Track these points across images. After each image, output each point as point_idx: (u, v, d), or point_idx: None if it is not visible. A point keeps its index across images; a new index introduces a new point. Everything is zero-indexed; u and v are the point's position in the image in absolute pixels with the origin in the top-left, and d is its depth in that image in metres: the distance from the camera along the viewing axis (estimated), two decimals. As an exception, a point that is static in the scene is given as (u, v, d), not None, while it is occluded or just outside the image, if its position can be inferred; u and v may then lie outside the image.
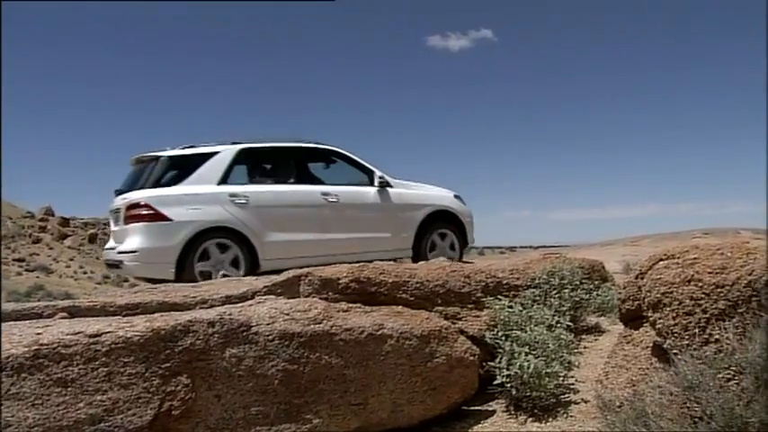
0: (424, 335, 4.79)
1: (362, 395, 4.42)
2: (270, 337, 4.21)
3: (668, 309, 3.91)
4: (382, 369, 4.53)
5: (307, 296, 4.98)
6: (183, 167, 7.74)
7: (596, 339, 6.36)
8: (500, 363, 4.90)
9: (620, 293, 4.81)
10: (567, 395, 4.98)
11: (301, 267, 6.63)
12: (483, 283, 5.78)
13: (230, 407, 4.00)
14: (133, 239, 7.33)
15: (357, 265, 5.28)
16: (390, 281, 5.19)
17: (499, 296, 5.66)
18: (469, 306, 5.53)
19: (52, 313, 4.41)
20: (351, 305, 4.85)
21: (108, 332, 3.79)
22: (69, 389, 3.54)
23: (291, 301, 4.73)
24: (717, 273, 3.84)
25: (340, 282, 5.02)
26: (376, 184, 8.65)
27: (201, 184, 7.63)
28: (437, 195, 9.23)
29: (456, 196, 9.34)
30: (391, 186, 8.76)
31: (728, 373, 3.41)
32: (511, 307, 5.48)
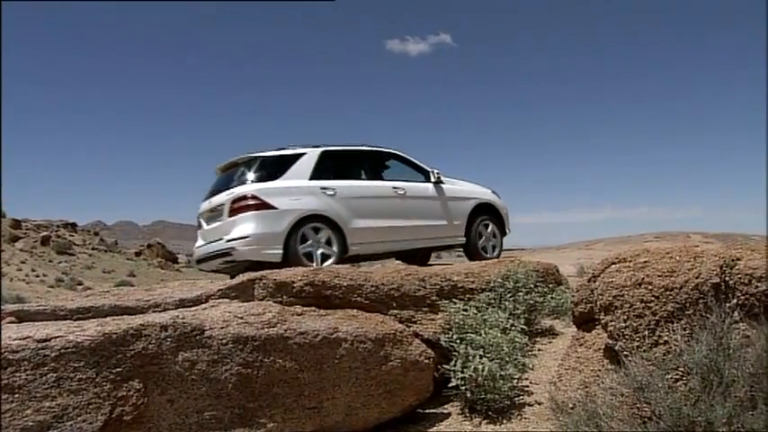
0: (379, 338, 4.79)
1: (317, 398, 4.41)
2: (223, 341, 4.17)
3: (619, 311, 3.98)
4: (337, 372, 4.52)
5: (261, 300, 4.93)
6: (277, 166, 8.73)
7: (550, 342, 6.43)
8: (455, 366, 4.93)
9: (573, 297, 4.87)
10: (521, 397, 5.02)
11: (380, 252, 9.35)
12: (438, 287, 5.80)
13: (183, 411, 3.95)
14: (244, 227, 8.12)
15: (311, 268, 5.27)
16: (345, 284, 5.18)
17: (454, 299, 5.68)
18: (424, 309, 5.54)
19: (-1, 318, 4.31)
20: (305, 309, 4.83)
21: (57, 337, 3.71)
22: (16, 395, 3.46)
23: (245, 304, 4.70)
24: (666, 276, 3.92)
25: (294, 285, 4.99)
26: (432, 180, 9.81)
27: (296, 179, 8.65)
28: (479, 191, 10.46)
29: (493, 192, 10.66)
30: (443, 183, 9.91)
31: (677, 374, 3.48)
32: (466, 310, 5.50)
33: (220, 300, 4.92)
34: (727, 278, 3.83)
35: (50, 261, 44.70)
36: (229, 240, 8.11)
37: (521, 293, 6.28)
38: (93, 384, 3.69)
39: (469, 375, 4.79)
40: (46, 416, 3.49)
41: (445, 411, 5.01)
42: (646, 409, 3.36)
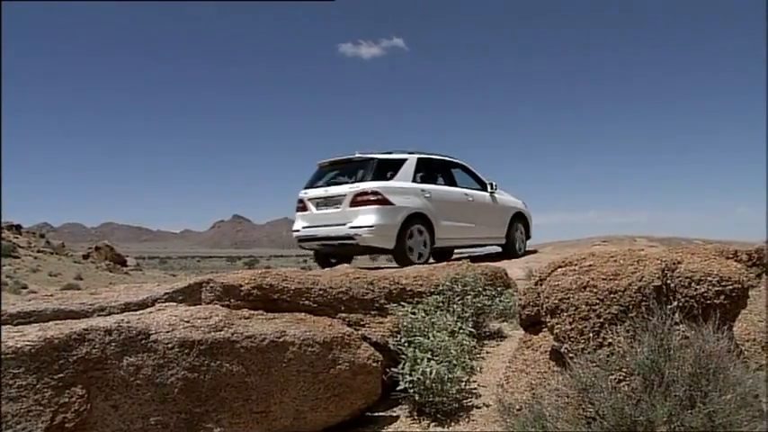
0: (327, 341, 4.77)
1: (265, 403, 4.37)
2: (169, 345, 4.11)
3: (565, 314, 4.02)
4: (285, 376, 4.49)
5: (208, 303, 4.87)
6: (389, 167, 10.57)
7: (498, 345, 6.47)
8: (403, 369, 4.93)
9: (520, 300, 4.92)
10: (469, 400, 5.05)
11: (454, 247, 11.92)
12: (386, 290, 5.80)
13: (128, 417, 3.89)
14: (368, 217, 9.86)
15: (259, 271, 5.23)
16: (293, 288, 5.15)
17: (403, 303, 5.69)
18: (373, 313, 5.54)
19: (-66, 324, 4.18)
20: (253, 312, 4.78)
21: (-4, 343, 3.63)
22: (-48, 403, 3.37)
23: (192, 308, 4.64)
24: (610, 279, 3.98)
25: (242, 288, 4.94)
26: (489, 190, 12.19)
27: (404, 180, 10.54)
28: (515, 201, 12.93)
29: (524, 202, 13.12)
30: (495, 193, 12.24)
31: (620, 375, 3.54)
32: (414, 313, 5.52)
33: (167, 303, 4.84)
34: (668, 281, 3.90)
35: (-7, 264, 43.52)
36: (353, 227, 9.86)
37: (469, 297, 6.32)
38: (34, 391, 3.61)
39: (418, 378, 4.80)
40: (-17, 424, 3.41)
41: (394, 414, 5.01)
42: (590, 409, 3.41)
